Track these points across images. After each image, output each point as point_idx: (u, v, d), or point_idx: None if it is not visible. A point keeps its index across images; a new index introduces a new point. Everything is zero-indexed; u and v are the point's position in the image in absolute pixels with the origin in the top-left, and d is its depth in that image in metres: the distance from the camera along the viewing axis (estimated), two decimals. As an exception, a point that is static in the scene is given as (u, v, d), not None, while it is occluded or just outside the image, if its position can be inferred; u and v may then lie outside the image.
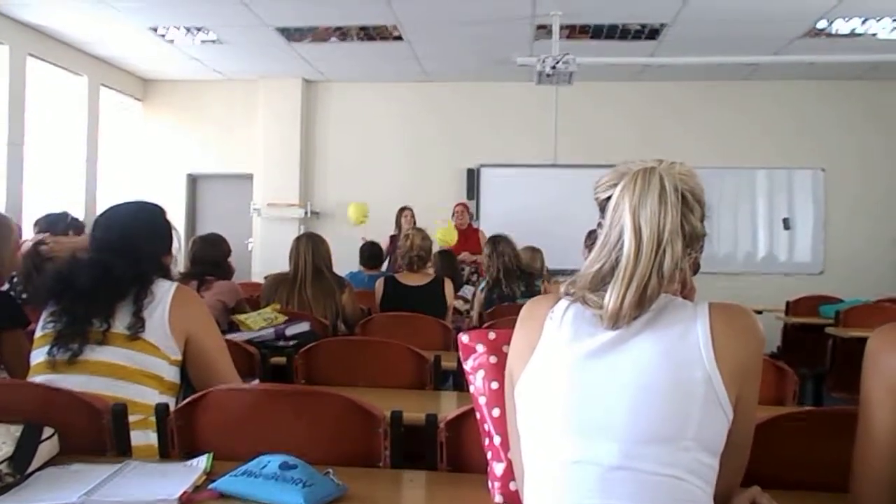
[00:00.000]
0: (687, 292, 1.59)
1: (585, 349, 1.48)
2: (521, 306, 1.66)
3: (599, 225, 1.60)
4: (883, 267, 10.29)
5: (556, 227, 9.73)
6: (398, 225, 8.91)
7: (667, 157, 1.60)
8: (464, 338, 1.87)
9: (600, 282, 1.52)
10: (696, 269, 1.62)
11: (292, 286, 4.85)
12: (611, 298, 1.48)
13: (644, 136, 10.47)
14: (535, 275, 5.74)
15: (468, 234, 8.89)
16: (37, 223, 4.99)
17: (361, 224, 9.07)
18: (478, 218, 10.39)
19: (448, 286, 5.27)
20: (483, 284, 5.75)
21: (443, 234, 8.45)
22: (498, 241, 5.71)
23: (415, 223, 8.54)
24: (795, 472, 1.87)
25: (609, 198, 1.57)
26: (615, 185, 1.56)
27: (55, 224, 4.85)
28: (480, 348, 1.84)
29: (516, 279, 5.59)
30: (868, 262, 10.33)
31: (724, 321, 1.46)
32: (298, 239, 5.02)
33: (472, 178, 10.64)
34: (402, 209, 9.00)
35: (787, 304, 7.58)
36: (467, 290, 6.65)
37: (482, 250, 6.12)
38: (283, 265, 5.13)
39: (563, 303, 1.58)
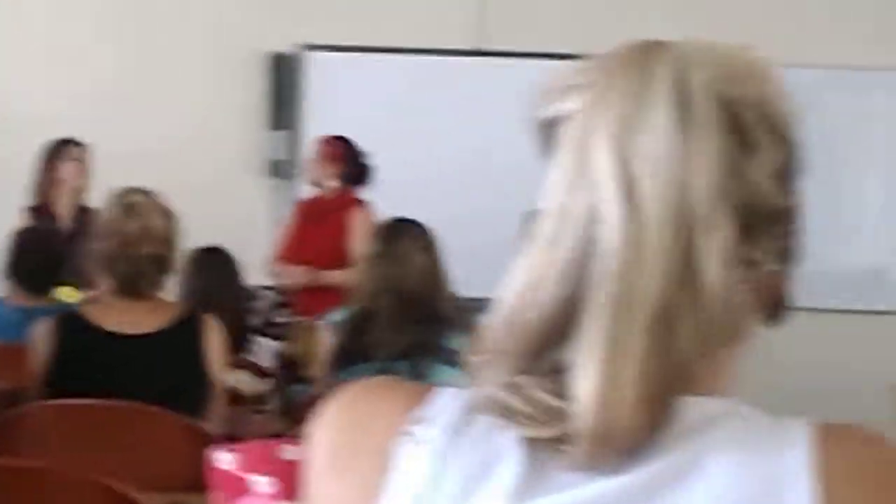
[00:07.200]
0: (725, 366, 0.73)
1: None
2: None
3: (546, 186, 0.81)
4: None
5: (490, 195, 5.09)
6: (42, 187, 4.24)
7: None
8: (222, 459, 1.19)
9: (543, 341, 0.70)
10: (776, 298, 0.75)
11: None
12: (583, 388, 0.68)
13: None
14: (449, 320, 2.96)
15: (328, 213, 4.34)
16: None
17: None
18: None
19: (213, 335, 2.73)
20: (339, 317, 3.06)
21: None
22: (402, 232, 3.06)
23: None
24: None
25: (561, 119, 0.74)
26: (577, 86, 0.73)
27: None
28: (261, 485, 1.14)
29: (409, 323, 2.92)
30: None
31: (854, 478, 0.69)
32: None
33: (284, 74, 5.31)
34: (59, 146, 4.23)
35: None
36: (263, 347, 3.71)
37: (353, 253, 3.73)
38: None
39: (448, 403, 0.75)
